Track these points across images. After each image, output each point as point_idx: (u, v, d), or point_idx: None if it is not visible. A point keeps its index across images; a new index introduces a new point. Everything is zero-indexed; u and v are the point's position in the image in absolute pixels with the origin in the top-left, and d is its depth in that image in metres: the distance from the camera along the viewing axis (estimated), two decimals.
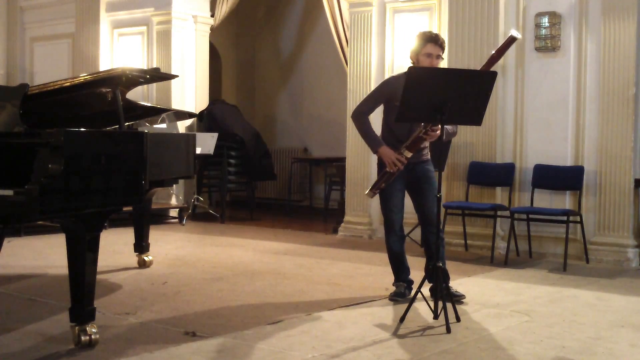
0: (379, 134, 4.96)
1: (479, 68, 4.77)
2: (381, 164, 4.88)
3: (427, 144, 4.94)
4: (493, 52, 4.71)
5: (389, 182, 4.81)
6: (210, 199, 10.15)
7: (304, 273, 5.93)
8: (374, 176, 7.81)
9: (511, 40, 4.65)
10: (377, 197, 5.04)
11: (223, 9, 9.92)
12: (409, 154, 4.73)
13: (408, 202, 5.00)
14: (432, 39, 4.78)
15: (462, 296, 4.86)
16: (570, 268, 6.21)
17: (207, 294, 5.11)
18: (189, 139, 6.02)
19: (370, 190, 4.90)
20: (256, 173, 9.95)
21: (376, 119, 5.09)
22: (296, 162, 10.77)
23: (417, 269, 5.08)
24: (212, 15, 9.97)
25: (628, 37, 6.40)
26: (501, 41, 6.94)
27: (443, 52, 4.84)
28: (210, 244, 7.55)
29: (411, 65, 4.81)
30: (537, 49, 6.83)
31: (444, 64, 7.09)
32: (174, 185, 7.19)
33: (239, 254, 6.86)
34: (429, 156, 5.02)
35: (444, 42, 4.85)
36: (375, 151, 4.86)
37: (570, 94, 6.73)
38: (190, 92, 9.76)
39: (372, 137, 4.89)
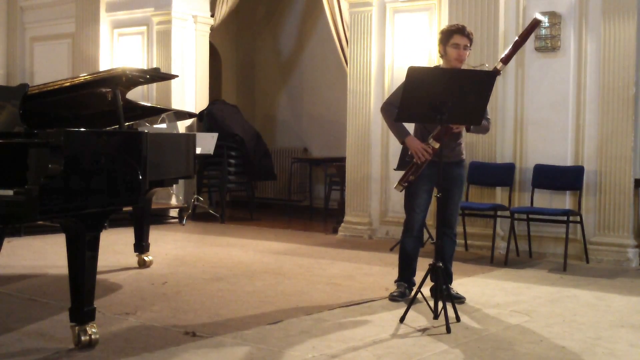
0: (412, 131, 4.94)
1: (479, 68, 4.76)
2: (405, 157, 4.84)
3: (462, 141, 4.91)
4: (517, 38, 4.74)
5: (417, 174, 4.73)
6: (210, 199, 10.14)
7: (304, 273, 5.93)
8: (374, 176, 7.88)
9: (535, 23, 4.67)
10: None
11: (223, 9, 9.92)
12: (437, 145, 4.65)
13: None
14: (459, 30, 4.77)
15: (463, 298, 4.86)
16: (570, 268, 6.21)
17: (207, 294, 5.11)
18: (189, 139, 6.02)
19: (399, 183, 4.83)
20: (256, 173, 9.95)
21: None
22: (296, 162, 10.77)
23: (419, 269, 5.07)
24: (212, 15, 9.97)
25: (628, 37, 6.40)
26: (501, 41, 6.98)
27: (471, 44, 4.80)
28: (210, 244, 7.55)
29: (410, 65, 4.83)
30: (537, 49, 6.84)
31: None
32: (174, 185, 7.19)
33: (239, 254, 6.86)
34: (463, 155, 4.95)
35: (471, 33, 4.82)
36: (402, 142, 4.83)
37: (570, 94, 6.73)
38: (190, 92, 9.76)
39: (398, 128, 4.84)
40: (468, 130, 4.85)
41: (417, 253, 5.01)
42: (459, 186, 4.92)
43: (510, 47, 4.71)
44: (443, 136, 4.63)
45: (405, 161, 4.87)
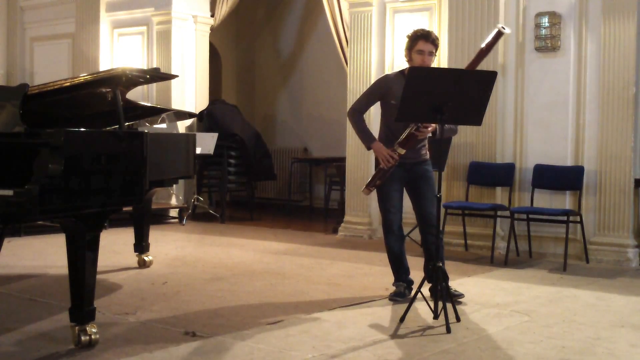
0: (377, 134, 4.98)
1: (479, 68, 4.77)
2: (377, 162, 4.91)
3: (425, 143, 4.96)
4: (482, 45, 4.72)
5: (383, 179, 4.81)
6: (210, 199, 10.15)
7: (304, 273, 5.93)
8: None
9: (498, 35, 4.66)
10: (375, 198, 5.06)
11: (223, 9, 9.92)
12: (402, 151, 4.75)
13: (407, 202, 5.01)
14: (423, 36, 4.80)
15: (461, 295, 4.87)
16: (570, 268, 6.21)
17: (207, 294, 5.11)
18: (189, 139, 6.02)
19: (366, 187, 4.92)
20: (256, 173, 9.95)
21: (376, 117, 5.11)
22: (296, 162, 10.77)
23: (417, 269, 5.09)
24: (212, 15, 9.97)
25: (628, 37, 6.40)
26: (501, 41, 6.91)
27: (436, 50, 4.84)
28: (210, 244, 7.55)
29: (411, 65, 4.85)
30: (537, 49, 6.83)
31: (444, 63, 7.15)
32: (174, 185, 7.19)
33: (239, 254, 6.86)
34: (427, 156, 5.01)
35: (436, 39, 4.85)
36: (368, 147, 4.91)
37: (570, 94, 6.73)
38: (190, 92, 9.76)
39: (365, 134, 4.93)
40: (434, 135, 4.81)
41: (404, 250, 5.03)
42: (429, 182, 4.93)
43: (474, 56, 4.69)
44: (407, 143, 4.72)
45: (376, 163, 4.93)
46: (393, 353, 3.76)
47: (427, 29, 7.27)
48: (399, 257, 4.98)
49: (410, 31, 4.94)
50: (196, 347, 3.81)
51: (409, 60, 4.85)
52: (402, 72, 4.94)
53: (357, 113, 4.98)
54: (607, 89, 6.50)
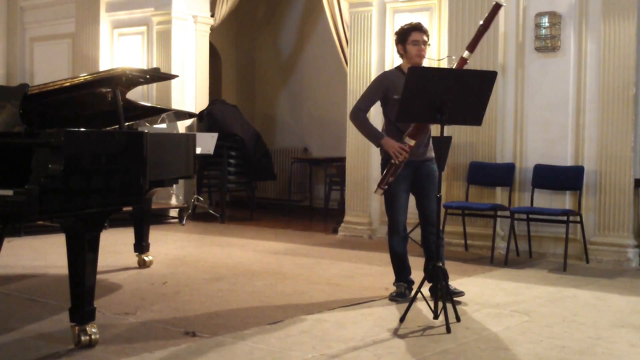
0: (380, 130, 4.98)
1: (479, 68, 4.77)
2: (385, 162, 4.88)
3: (430, 141, 4.95)
4: (480, 23, 4.75)
5: (395, 174, 4.78)
6: (210, 199, 10.15)
7: (304, 273, 5.93)
8: (374, 176, 7.86)
9: (496, 7, 4.69)
10: (381, 198, 5.03)
11: (223, 9, 9.93)
12: (412, 142, 4.73)
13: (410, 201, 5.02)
14: (416, 27, 4.88)
15: (461, 293, 4.88)
16: (570, 268, 6.21)
17: (207, 294, 5.11)
18: (189, 139, 6.02)
19: (378, 187, 4.87)
20: (256, 173, 9.95)
21: (376, 117, 5.10)
22: (296, 162, 10.77)
23: (417, 269, 5.08)
24: (212, 15, 9.97)
25: (628, 37, 6.40)
26: (501, 41, 6.98)
27: (428, 39, 4.91)
28: (210, 244, 7.55)
29: (411, 66, 4.87)
30: (537, 49, 6.83)
31: (444, 63, 7.14)
32: (174, 185, 7.19)
33: (239, 254, 6.86)
34: (433, 154, 5.00)
35: (426, 29, 4.95)
36: (378, 144, 4.86)
37: (570, 94, 6.73)
38: (190, 92, 9.76)
39: (373, 132, 4.91)
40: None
41: (406, 251, 5.03)
42: (434, 182, 4.91)
43: (474, 34, 4.75)
44: (417, 134, 4.71)
45: (383, 163, 4.90)
46: (393, 353, 3.76)
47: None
48: (401, 257, 4.99)
49: (401, 27, 5.00)
50: (196, 347, 3.81)
51: (404, 53, 4.88)
52: (399, 68, 4.95)
53: (362, 112, 4.93)
54: (607, 89, 6.49)
